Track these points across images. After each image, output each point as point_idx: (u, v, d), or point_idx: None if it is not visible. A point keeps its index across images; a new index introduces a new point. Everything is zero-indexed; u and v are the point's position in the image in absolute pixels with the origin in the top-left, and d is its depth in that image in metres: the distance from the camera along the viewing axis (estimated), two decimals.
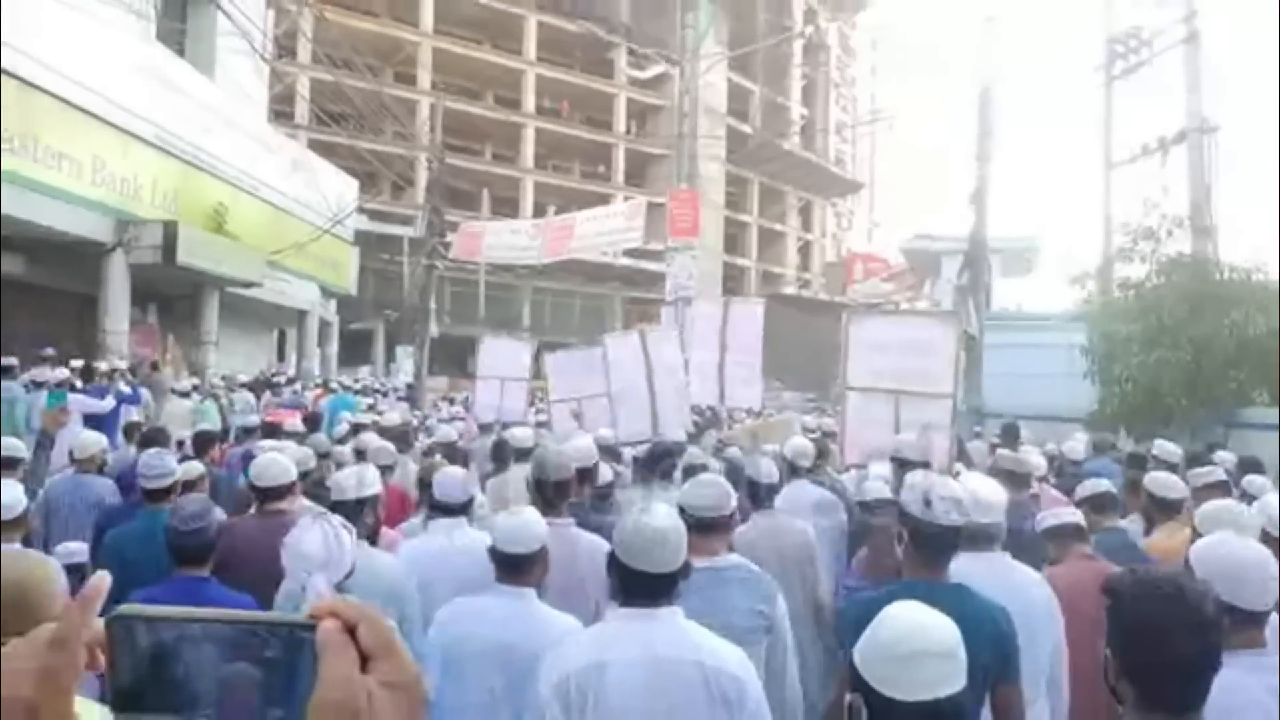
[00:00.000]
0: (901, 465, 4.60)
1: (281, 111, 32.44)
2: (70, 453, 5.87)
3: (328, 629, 0.60)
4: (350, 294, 25.28)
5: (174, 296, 16.54)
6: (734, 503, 3.30)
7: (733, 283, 45.49)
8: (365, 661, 0.61)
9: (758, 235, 51.77)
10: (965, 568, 2.76)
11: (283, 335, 23.47)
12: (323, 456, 6.21)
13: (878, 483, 4.95)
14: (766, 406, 23.27)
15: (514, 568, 2.86)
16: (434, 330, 17.89)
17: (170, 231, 14.01)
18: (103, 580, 0.65)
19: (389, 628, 0.64)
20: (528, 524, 2.93)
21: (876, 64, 69.18)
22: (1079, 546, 3.72)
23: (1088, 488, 4.51)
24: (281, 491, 3.98)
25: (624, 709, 2.22)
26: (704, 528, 3.05)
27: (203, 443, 7.07)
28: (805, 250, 58.85)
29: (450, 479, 3.95)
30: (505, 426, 8.34)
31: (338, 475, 3.83)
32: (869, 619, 1.78)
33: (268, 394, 14.65)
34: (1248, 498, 4.78)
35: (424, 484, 4.92)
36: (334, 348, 25.17)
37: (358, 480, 3.56)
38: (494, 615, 2.82)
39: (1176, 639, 1.66)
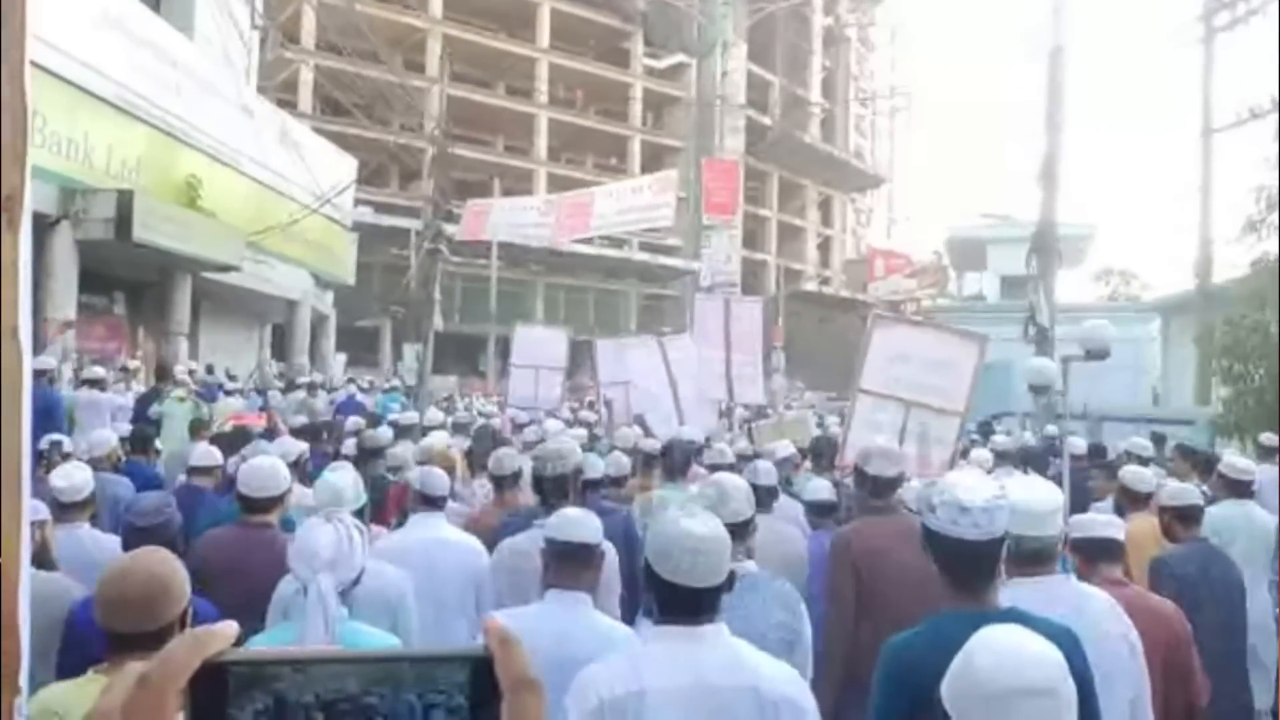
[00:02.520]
0: (863, 478, 4.01)
1: (285, 100, 30.90)
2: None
3: (517, 668, 0.51)
4: (348, 284, 23.49)
5: (143, 284, 14.69)
6: (754, 507, 3.13)
7: (753, 279, 43.84)
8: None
9: (777, 230, 50.14)
10: (1012, 595, 2.35)
11: (278, 331, 21.57)
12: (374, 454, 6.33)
13: (823, 482, 5.05)
14: (793, 404, 21.70)
15: (568, 565, 2.67)
16: (439, 323, 16.05)
17: (124, 201, 12.06)
18: (230, 627, 0.54)
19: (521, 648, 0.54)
20: (583, 515, 2.83)
21: (895, 58, 67.48)
22: (1108, 568, 3.18)
23: (1176, 495, 4.42)
24: (267, 504, 3.74)
25: None
26: (730, 533, 2.76)
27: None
28: (825, 246, 57.61)
29: (434, 474, 4.02)
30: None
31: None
32: (906, 662, 1.72)
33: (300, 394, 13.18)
34: None
35: None
36: (331, 343, 23.36)
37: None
38: (549, 627, 2.60)
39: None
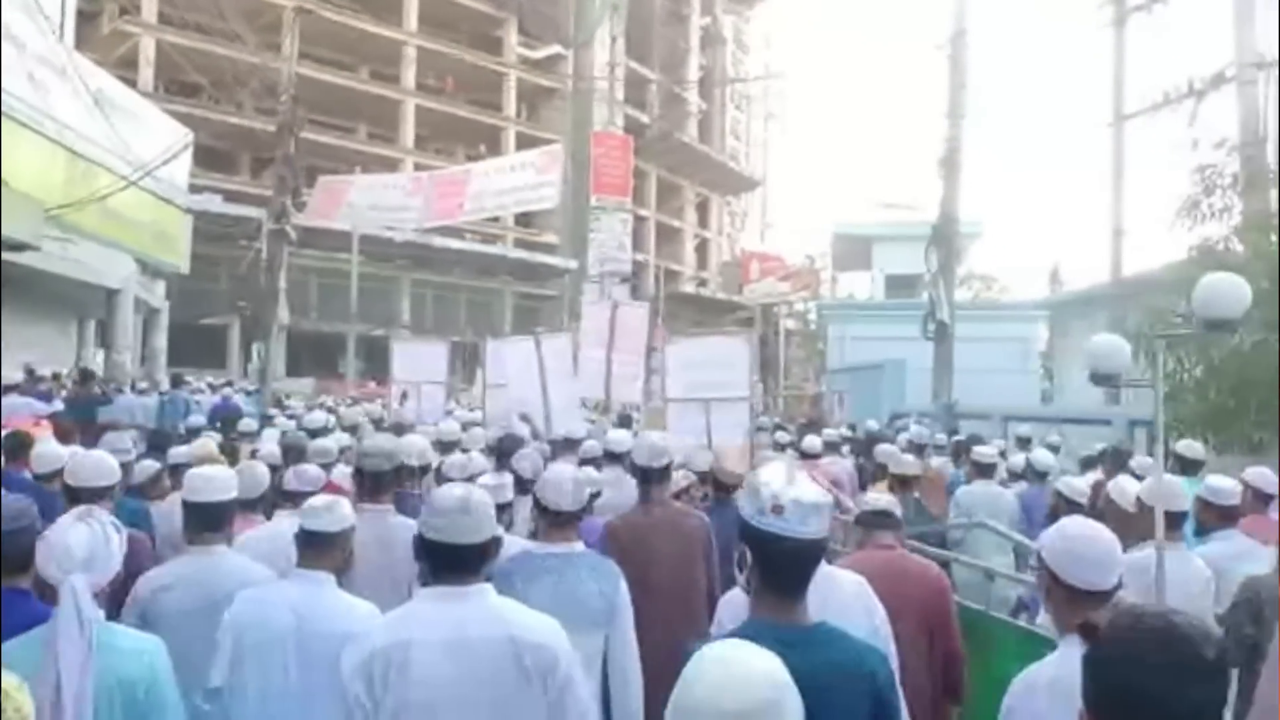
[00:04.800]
0: (641, 474, 4.24)
1: (124, 78, 27.99)
2: None
3: None
4: (182, 272, 21.01)
5: None
6: (586, 497, 3.37)
7: (632, 279, 42.83)
8: None
9: (656, 231, 49.45)
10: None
11: (101, 325, 18.93)
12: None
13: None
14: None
15: (316, 549, 2.89)
16: (284, 318, 14.16)
17: None
18: None
19: None
20: (335, 504, 2.99)
21: (770, 62, 68.26)
22: (882, 535, 3.63)
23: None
24: (94, 496, 3.57)
25: (429, 687, 2.21)
26: (558, 519, 3.20)
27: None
28: (702, 248, 57.49)
29: (305, 470, 4.25)
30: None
31: (193, 478, 3.50)
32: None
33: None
34: None
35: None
36: (163, 339, 20.87)
37: (205, 484, 3.40)
38: (289, 601, 2.83)
39: (1168, 696, 1.32)
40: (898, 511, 3.74)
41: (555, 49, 43.40)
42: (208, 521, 3.29)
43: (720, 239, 61.04)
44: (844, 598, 2.76)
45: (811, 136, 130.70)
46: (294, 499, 3.86)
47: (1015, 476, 7.32)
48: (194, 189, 27.23)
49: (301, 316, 32.44)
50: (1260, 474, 4.70)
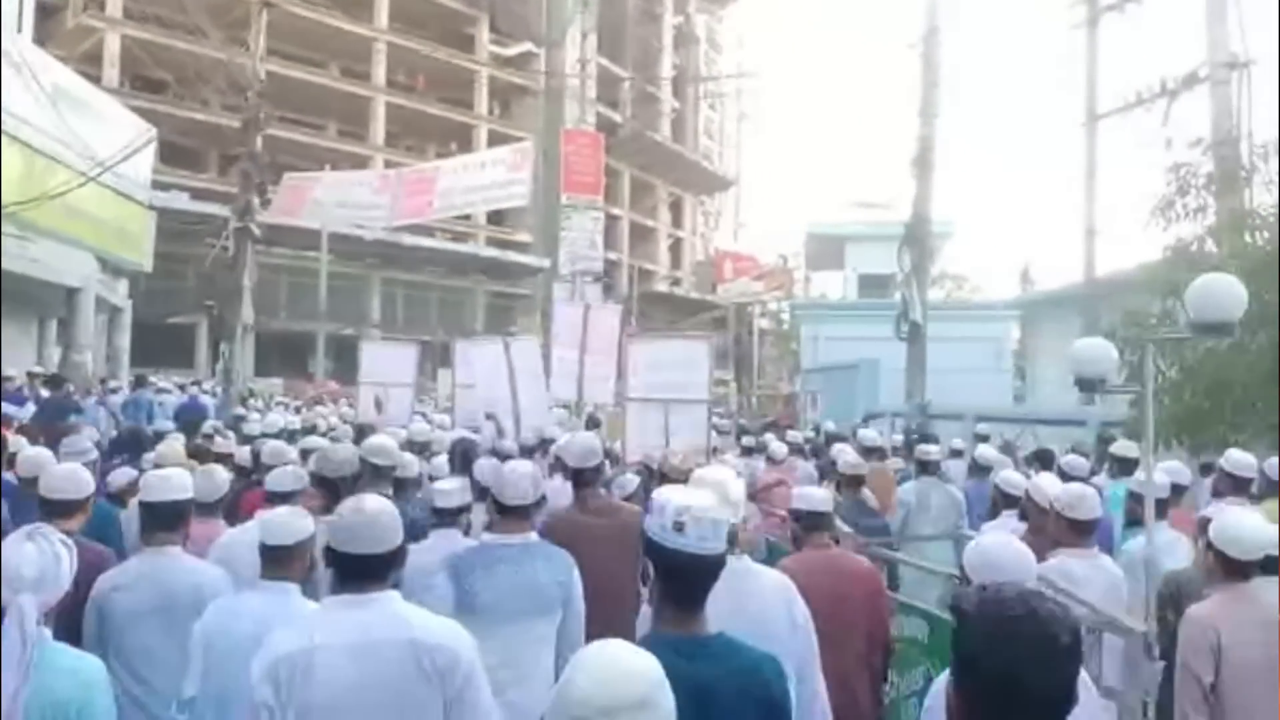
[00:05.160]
0: (571, 474, 4.39)
1: (87, 74, 27.44)
2: None
3: None
4: (144, 270, 20.53)
5: None
6: (539, 491, 3.49)
7: (605, 278, 42.63)
8: None
9: (629, 230, 49.25)
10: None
11: (63, 324, 18.45)
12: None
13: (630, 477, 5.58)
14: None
15: (276, 561, 2.96)
16: (249, 317, 13.86)
17: None
18: None
19: None
20: (291, 517, 3.04)
21: (742, 62, 68.25)
22: (818, 536, 3.80)
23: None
24: (68, 509, 3.52)
25: (333, 689, 2.27)
26: (513, 512, 3.37)
27: None
28: (676, 247, 57.38)
29: (283, 473, 4.30)
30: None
31: (149, 479, 3.68)
32: None
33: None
34: None
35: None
36: (126, 339, 20.37)
37: (161, 483, 3.52)
38: (253, 612, 2.88)
39: (1024, 675, 1.43)
40: (828, 509, 3.93)
41: (527, 47, 43.10)
42: (162, 521, 3.37)
43: (694, 239, 60.97)
44: (765, 595, 2.92)
45: (785, 136, 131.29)
46: (279, 500, 3.90)
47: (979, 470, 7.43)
48: (160, 186, 26.73)
49: (270, 316, 31.94)
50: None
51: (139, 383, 14.62)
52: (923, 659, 4.40)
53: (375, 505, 2.48)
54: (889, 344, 16.12)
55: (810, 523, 3.81)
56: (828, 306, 23.12)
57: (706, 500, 2.15)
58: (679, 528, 2.06)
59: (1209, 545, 3.25)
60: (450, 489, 4.11)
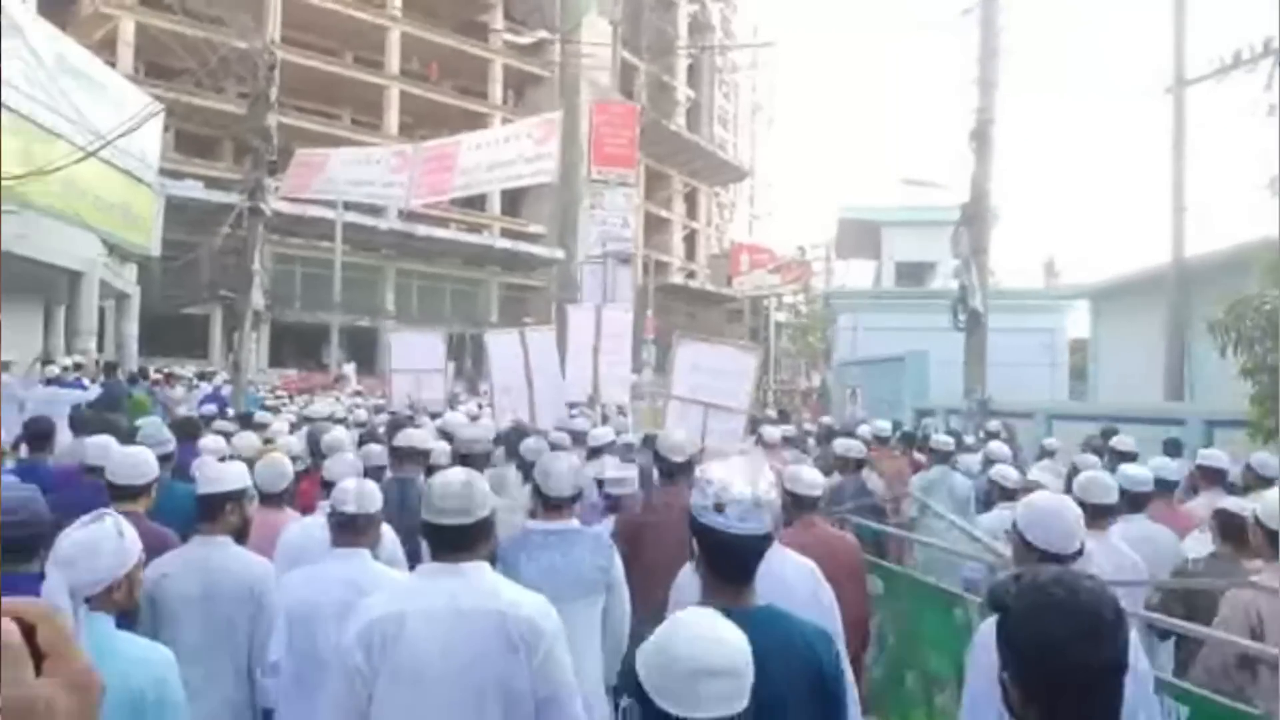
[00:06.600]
0: (665, 467, 4.64)
1: (103, 61, 26.82)
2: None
3: (3, 630, 0.61)
4: (149, 252, 19.82)
5: None
6: (579, 483, 3.72)
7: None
8: (42, 661, 0.63)
9: (645, 221, 48.48)
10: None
11: (69, 311, 17.73)
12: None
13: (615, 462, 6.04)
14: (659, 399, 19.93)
15: (349, 529, 3.23)
16: (259, 301, 13.19)
17: None
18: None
19: (66, 628, 0.65)
20: (363, 488, 3.30)
21: (757, 51, 67.47)
22: (808, 515, 4.03)
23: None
24: (134, 492, 3.78)
25: (421, 654, 2.34)
26: (556, 503, 3.55)
27: None
28: (690, 239, 56.56)
29: (340, 461, 4.47)
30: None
31: (205, 469, 3.85)
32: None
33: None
34: None
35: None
36: (133, 327, 19.67)
37: (217, 475, 3.62)
38: (335, 576, 3.13)
39: (1072, 652, 1.48)
40: (818, 493, 4.17)
41: (542, 34, 42.33)
42: (203, 512, 3.46)
43: (709, 230, 60.22)
44: (792, 577, 3.03)
45: (805, 125, 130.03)
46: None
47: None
48: (174, 175, 26.12)
49: (285, 306, 31.37)
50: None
51: (141, 374, 13.96)
52: (878, 609, 4.83)
53: (462, 477, 2.56)
54: (931, 334, 15.33)
55: (802, 503, 4.00)
56: (868, 295, 22.24)
57: (750, 480, 2.16)
58: (719, 508, 2.12)
59: (1257, 522, 3.51)
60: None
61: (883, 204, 22.69)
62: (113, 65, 26.56)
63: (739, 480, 2.15)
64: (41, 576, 2.69)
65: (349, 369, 21.03)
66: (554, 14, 41.43)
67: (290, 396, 16.16)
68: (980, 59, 13.00)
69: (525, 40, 42.67)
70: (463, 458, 5.11)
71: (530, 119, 16.54)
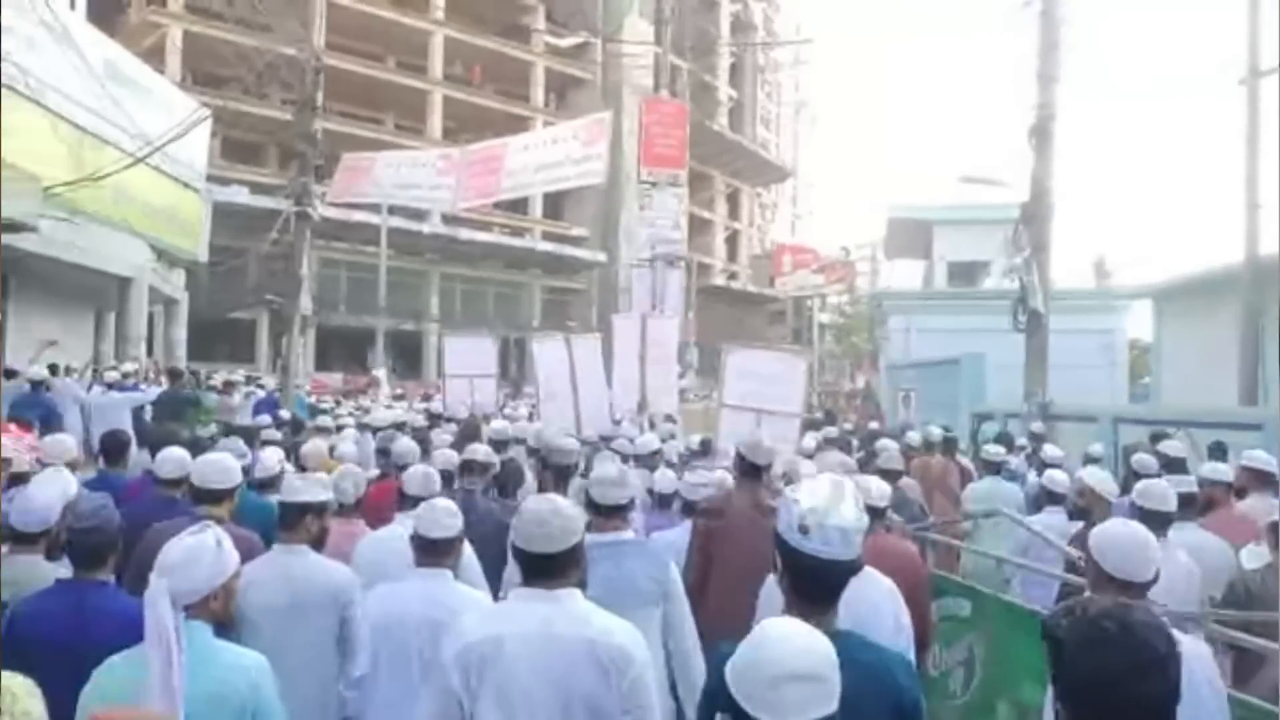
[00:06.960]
0: (746, 468, 4.64)
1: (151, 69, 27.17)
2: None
3: None
4: (198, 258, 19.96)
5: None
6: (632, 492, 3.81)
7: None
8: None
9: (687, 222, 48.21)
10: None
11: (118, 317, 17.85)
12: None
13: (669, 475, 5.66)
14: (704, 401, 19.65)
15: (430, 550, 3.33)
16: (307, 306, 13.10)
17: None
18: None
19: None
20: (444, 513, 3.37)
21: (800, 50, 66.85)
22: (878, 524, 3.91)
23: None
24: (218, 496, 3.95)
25: (517, 677, 2.39)
26: (608, 512, 3.58)
27: None
28: (733, 240, 56.18)
29: (419, 475, 4.43)
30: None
31: (290, 479, 3.88)
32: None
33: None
34: None
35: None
36: (182, 332, 19.81)
37: (303, 485, 3.69)
38: (416, 594, 3.27)
39: (1124, 686, 1.50)
40: (884, 504, 4.12)
41: (583, 37, 42.24)
42: (283, 521, 3.54)
43: (751, 231, 59.77)
44: (874, 597, 3.03)
45: (845, 124, 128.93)
46: (413, 503, 4.00)
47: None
48: (221, 181, 26.34)
49: (330, 310, 31.59)
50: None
51: (173, 376, 13.93)
52: (966, 632, 4.83)
53: (549, 507, 2.55)
54: (985, 336, 14.87)
55: (869, 515, 3.51)
56: (921, 295, 21.70)
57: (838, 503, 2.14)
58: (804, 531, 2.10)
59: None
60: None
61: (930, 203, 22.16)
62: (161, 72, 26.91)
63: (827, 502, 2.12)
64: (107, 584, 2.96)
65: (380, 373, 20.99)
66: (595, 16, 41.33)
67: (337, 401, 16.13)
68: (1040, 52, 12.55)
69: (567, 43, 42.64)
70: (554, 468, 5.38)
71: (578, 120, 16.27)
